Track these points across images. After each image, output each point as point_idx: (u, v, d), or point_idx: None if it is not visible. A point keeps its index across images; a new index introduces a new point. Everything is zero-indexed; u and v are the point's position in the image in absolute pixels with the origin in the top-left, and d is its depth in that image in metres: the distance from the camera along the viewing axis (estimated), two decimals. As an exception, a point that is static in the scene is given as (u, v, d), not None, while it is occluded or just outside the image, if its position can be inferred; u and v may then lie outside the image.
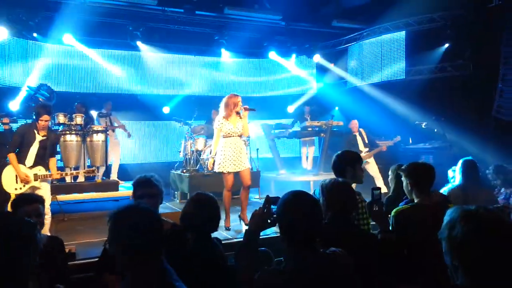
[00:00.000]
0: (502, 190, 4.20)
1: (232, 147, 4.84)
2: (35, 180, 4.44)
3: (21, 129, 4.60)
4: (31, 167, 4.47)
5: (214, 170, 5.15)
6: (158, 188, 2.68)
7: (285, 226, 1.79)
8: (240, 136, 4.94)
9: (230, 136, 4.85)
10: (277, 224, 1.92)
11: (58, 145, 5.04)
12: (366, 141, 7.47)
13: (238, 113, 4.89)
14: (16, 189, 4.41)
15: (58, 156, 6.65)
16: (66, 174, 4.60)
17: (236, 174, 4.97)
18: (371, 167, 7.26)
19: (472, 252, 1.33)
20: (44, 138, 4.51)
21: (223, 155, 4.85)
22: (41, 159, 4.49)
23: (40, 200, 2.73)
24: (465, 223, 1.35)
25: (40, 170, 4.47)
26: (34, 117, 4.55)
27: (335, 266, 1.74)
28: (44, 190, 4.49)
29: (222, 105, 4.93)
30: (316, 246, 1.77)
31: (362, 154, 7.08)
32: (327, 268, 1.72)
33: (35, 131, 4.48)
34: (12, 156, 4.42)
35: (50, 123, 6.50)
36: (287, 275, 1.70)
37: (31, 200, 2.69)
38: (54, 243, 2.75)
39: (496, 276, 1.31)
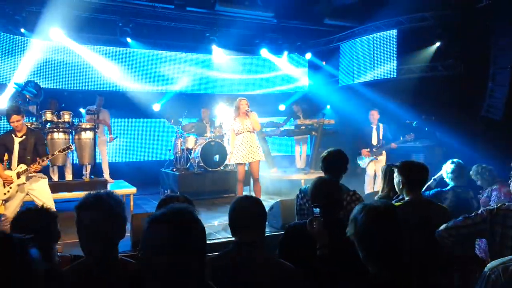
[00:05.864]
0: (487, 189, 4.30)
1: (244, 141, 5.59)
2: (18, 177, 4.37)
3: (0, 139, 4.50)
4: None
5: (230, 163, 6.19)
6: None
7: None
8: (252, 131, 5.64)
9: (241, 133, 5.60)
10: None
11: (45, 146, 4.76)
12: (381, 137, 7.08)
13: (246, 113, 5.60)
14: (5, 193, 4.35)
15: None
16: (43, 160, 4.45)
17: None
18: (378, 166, 6.60)
19: (369, 240, 1.52)
20: (23, 138, 4.44)
21: (236, 149, 5.64)
22: (23, 159, 4.42)
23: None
24: (362, 217, 1.55)
25: (21, 167, 4.41)
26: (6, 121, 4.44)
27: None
28: (40, 189, 4.47)
29: (233, 107, 5.76)
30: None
31: (369, 150, 6.96)
32: None
33: (13, 135, 4.43)
34: None
35: (38, 121, 6.48)
36: None
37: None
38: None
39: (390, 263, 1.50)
